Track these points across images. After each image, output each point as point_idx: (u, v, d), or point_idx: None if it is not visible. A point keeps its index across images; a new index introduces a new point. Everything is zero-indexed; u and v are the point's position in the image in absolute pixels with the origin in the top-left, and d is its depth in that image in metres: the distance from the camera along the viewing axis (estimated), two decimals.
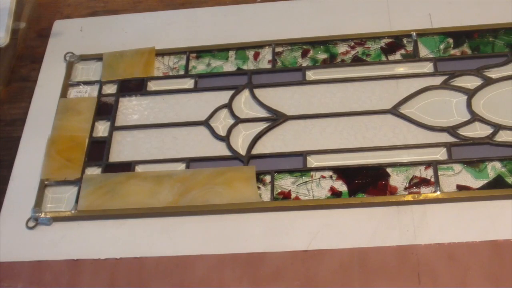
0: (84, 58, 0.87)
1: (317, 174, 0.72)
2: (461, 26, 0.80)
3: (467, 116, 0.73)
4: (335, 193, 0.70)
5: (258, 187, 0.72)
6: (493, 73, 0.76)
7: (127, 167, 0.76)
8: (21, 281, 0.70)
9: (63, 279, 0.69)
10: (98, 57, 0.87)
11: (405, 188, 0.70)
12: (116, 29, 0.90)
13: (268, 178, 0.73)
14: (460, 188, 0.69)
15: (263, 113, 0.78)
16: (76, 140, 0.79)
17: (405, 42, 0.81)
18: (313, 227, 0.68)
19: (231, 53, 0.84)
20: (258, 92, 0.80)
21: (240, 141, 0.76)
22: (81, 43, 0.89)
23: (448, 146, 0.71)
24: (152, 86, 0.83)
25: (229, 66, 0.83)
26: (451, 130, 0.72)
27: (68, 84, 0.85)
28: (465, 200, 0.68)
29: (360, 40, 0.82)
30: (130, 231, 0.71)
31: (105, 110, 0.82)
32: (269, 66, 0.82)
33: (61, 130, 0.80)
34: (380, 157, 0.72)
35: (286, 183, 0.72)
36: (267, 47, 0.84)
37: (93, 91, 0.84)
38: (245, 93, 0.80)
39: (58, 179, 0.76)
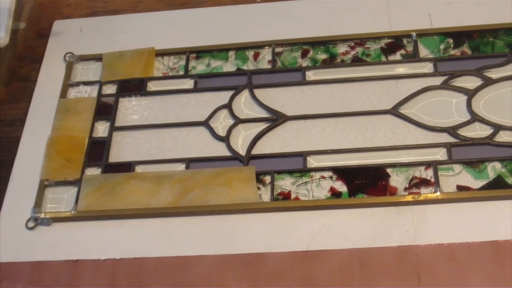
0: (83, 58, 0.87)
1: (317, 175, 0.72)
2: (461, 26, 0.80)
3: (467, 117, 0.73)
4: (335, 194, 0.70)
5: (258, 188, 0.72)
6: (493, 73, 0.76)
7: (127, 167, 0.76)
8: (21, 281, 0.70)
9: (63, 279, 0.69)
10: (98, 57, 0.87)
11: (405, 189, 0.69)
12: (116, 29, 0.90)
13: (268, 179, 0.72)
14: (460, 188, 0.69)
15: (263, 114, 0.78)
16: (76, 140, 0.79)
17: (405, 42, 0.81)
18: (313, 227, 0.68)
19: (231, 53, 0.84)
20: (258, 92, 0.80)
21: (240, 142, 0.76)
22: (81, 43, 0.89)
23: (448, 146, 0.71)
24: (152, 86, 0.83)
25: (229, 66, 0.83)
26: (451, 130, 0.72)
27: (68, 84, 0.85)
28: (465, 200, 0.68)
29: (360, 40, 0.82)
30: (130, 231, 0.71)
31: (105, 110, 0.82)
32: (269, 66, 0.82)
33: (61, 130, 0.80)
34: (380, 157, 0.72)
35: (286, 183, 0.72)
36: (267, 47, 0.84)
37: (92, 91, 0.84)
38: (245, 93, 0.80)
39: (58, 179, 0.76)
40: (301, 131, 0.76)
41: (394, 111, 0.75)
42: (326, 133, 0.75)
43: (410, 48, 0.80)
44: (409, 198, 0.68)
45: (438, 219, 0.67)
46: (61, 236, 0.72)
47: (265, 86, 0.80)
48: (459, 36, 0.80)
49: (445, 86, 0.76)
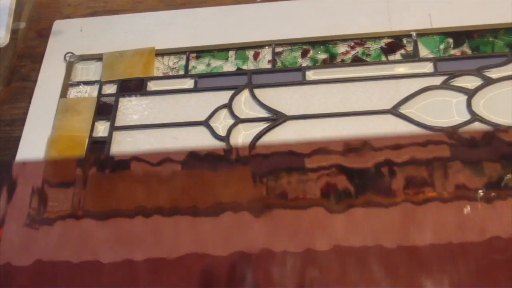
0: (84, 58, 0.87)
1: (317, 174, 0.72)
2: (461, 26, 0.80)
3: (467, 116, 0.73)
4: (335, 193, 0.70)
5: (258, 188, 0.72)
6: (493, 73, 0.76)
7: None
8: (21, 281, 0.70)
9: (63, 279, 0.69)
10: (98, 57, 0.87)
11: (406, 188, 0.69)
12: (116, 29, 0.90)
13: (268, 179, 0.72)
14: (460, 188, 0.69)
15: (263, 113, 0.78)
16: (76, 140, 0.79)
17: (405, 42, 0.81)
18: (312, 227, 0.68)
19: (231, 53, 0.84)
20: (258, 92, 0.80)
21: (240, 141, 0.76)
22: (81, 43, 0.89)
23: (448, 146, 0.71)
24: (152, 86, 0.83)
25: (229, 66, 0.83)
26: (451, 130, 0.72)
27: (68, 84, 0.85)
28: (465, 200, 0.67)
29: (360, 40, 0.82)
30: (129, 231, 0.71)
31: (105, 110, 0.82)
32: (269, 66, 0.82)
33: (61, 130, 0.80)
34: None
35: (286, 183, 0.72)
36: (267, 47, 0.84)
37: (93, 91, 0.84)
38: (245, 93, 0.80)
39: None
40: (301, 131, 0.76)
41: (394, 111, 0.75)
42: (326, 133, 0.75)
43: (410, 48, 0.80)
44: (409, 197, 0.68)
45: (438, 218, 0.67)
46: (61, 235, 0.72)
47: (265, 86, 0.80)
48: (459, 36, 0.80)
49: (445, 86, 0.76)
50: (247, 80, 0.81)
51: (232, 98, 0.80)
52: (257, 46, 0.84)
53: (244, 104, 0.79)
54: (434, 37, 0.80)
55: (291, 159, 0.70)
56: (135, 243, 0.67)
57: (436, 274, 0.62)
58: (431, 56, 0.79)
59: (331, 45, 0.82)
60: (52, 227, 0.69)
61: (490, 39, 0.79)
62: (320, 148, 0.67)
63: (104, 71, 0.85)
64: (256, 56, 0.83)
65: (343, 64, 0.80)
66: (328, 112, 0.76)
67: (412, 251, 0.64)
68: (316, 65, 0.81)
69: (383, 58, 0.80)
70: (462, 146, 0.68)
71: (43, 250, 0.68)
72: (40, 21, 0.95)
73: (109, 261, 0.66)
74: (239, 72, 0.82)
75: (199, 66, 0.84)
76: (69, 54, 0.87)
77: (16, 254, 0.67)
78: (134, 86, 0.83)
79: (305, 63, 0.81)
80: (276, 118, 0.77)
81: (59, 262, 0.66)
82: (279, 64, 0.82)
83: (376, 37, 0.82)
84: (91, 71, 0.87)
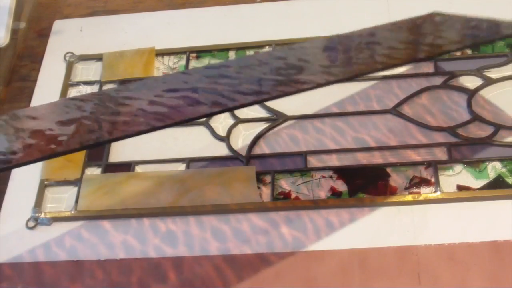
0: (84, 58, 0.87)
1: (317, 174, 0.72)
2: None
3: (467, 116, 0.73)
4: (335, 193, 0.70)
5: (258, 187, 0.72)
6: (493, 73, 0.76)
7: (127, 167, 0.76)
8: (21, 281, 0.70)
9: (63, 279, 0.69)
10: (98, 57, 0.87)
11: (405, 188, 0.70)
12: (116, 29, 0.90)
13: (268, 178, 0.72)
14: (460, 188, 0.69)
15: (263, 113, 0.78)
16: None
17: None
18: (313, 227, 0.68)
19: (231, 53, 0.84)
20: None
21: (240, 141, 0.76)
22: (81, 43, 0.89)
23: (448, 146, 0.71)
24: None
25: None
26: (451, 130, 0.72)
27: (68, 84, 0.85)
28: (465, 200, 0.68)
29: None
30: (130, 231, 0.71)
31: None
32: None
33: None
34: (380, 157, 0.72)
35: (286, 183, 0.72)
36: (267, 47, 0.84)
37: (93, 91, 0.84)
38: None
39: (58, 179, 0.76)
40: (301, 131, 0.76)
41: (394, 111, 0.75)
42: (326, 133, 0.75)
43: None
44: (409, 197, 0.68)
45: (438, 219, 0.67)
46: (61, 236, 0.72)
47: None
48: None
49: (445, 85, 0.76)
50: None
51: None
52: (257, 46, 0.84)
53: None
54: None
55: None
56: None
57: None
58: None
59: None
60: None
61: None
62: None
63: (104, 71, 0.85)
64: None
65: None
66: (328, 112, 0.76)
67: None
68: None
69: None
70: None
71: None
72: (40, 21, 0.95)
73: None
74: None
75: (199, 66, 0.84)
76: (69, 54, 0.87)
77: None
78: None
79: None
80: (276, 118, 0.77)
81: None
82: None
83: None
84: (91, 71, 0.87)
